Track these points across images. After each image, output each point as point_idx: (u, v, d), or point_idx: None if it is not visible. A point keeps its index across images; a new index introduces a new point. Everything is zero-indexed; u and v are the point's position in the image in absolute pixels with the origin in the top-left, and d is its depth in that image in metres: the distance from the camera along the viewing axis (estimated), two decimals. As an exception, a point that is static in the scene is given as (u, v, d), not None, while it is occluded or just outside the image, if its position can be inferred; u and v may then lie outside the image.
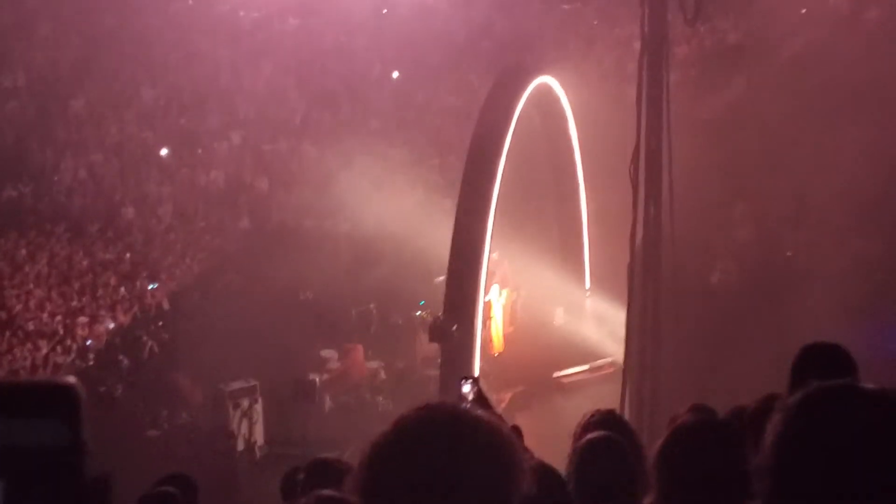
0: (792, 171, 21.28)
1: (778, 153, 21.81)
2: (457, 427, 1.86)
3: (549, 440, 5.26)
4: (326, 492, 3.69)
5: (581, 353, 20.72)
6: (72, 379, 1.22)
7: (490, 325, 20.52)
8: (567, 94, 21.98)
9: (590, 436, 4.19)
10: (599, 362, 20.47)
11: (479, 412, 1.93)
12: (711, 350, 17.33)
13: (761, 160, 22.16)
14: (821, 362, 4.22)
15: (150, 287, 22.96)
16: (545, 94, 21.24)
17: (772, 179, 21.89)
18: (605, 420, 4.59)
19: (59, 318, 20.74)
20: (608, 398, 14.74)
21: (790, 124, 21.53)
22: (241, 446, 17.90)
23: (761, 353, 16.37)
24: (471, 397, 4.92)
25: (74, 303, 21.33)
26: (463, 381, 5.06)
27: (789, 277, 20.01)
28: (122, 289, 22.42)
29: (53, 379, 1.20)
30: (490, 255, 18.19)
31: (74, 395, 1.19)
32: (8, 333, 20.11)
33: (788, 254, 21.69)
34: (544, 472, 4.46)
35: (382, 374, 20.43)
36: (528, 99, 19.68)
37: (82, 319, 20.79)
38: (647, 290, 14.36)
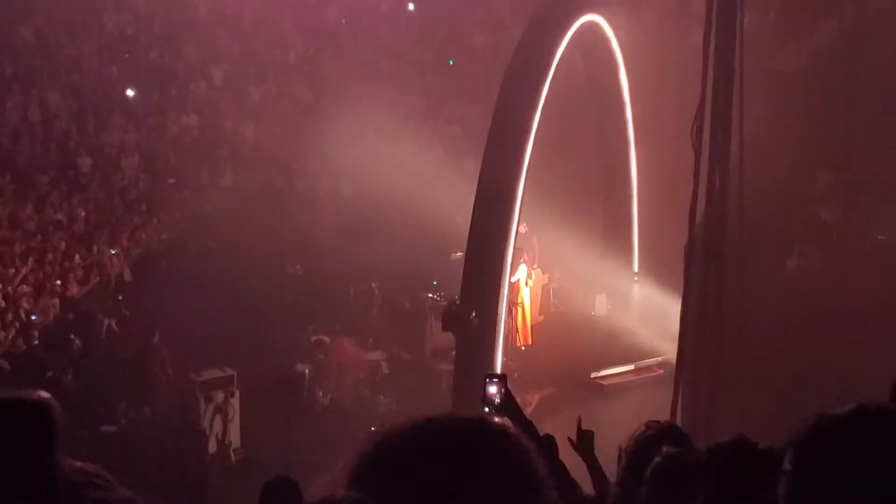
0: (889, 138, 21.11)
1: (873, 115, 21.63)
2: (479, 441, 1.91)
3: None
4: (338, 493, 3.73)
5: (625, 351, 20.74)
6: (44, 394, 1.18)
7: (516, 312, 20.54)
8: (618, 35, 21.85)
9: (666, 453, 4.21)
10: (647, 362, 20.49)
11: (502, 423, 1.98)
12: (785, 352, 17.27)
13: (852, 123, 22.00)
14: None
15: (111, 252, 23.03)
16: (592, 35, 21.12)
17: (864, 147, 21.72)
18: (665, 435, 4.58)
19: (-1, 286, 20.87)
20: (656, 406, 14.75)
21: (890, 80, 21.34)
22: (213, 448, 18.00)
23: (846, 355, 16.32)
24: (497, 400, 4.90)
25: (12, 270, 21.41)
26: (488, 379, 5.04)
27: (882, 266, 19.89)
28: (76, 255, 22.50)
29: (21, 394, 1.16)
30: (518, 228, 18.17)
31: (47, 414, 1.15)
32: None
33: (881, 237, 21.57)
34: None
35: (385, 368, 20.49)
36: (571, 40, 19.58)
37: (25, 289, 20.89)
38: (708, 276, 14.32)
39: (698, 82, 13.88)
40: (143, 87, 27.85)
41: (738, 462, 3.85)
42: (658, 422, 4.86)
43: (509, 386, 5.14)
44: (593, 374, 20.25)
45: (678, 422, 12.90)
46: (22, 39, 27.81)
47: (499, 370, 17.12)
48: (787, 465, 2.05)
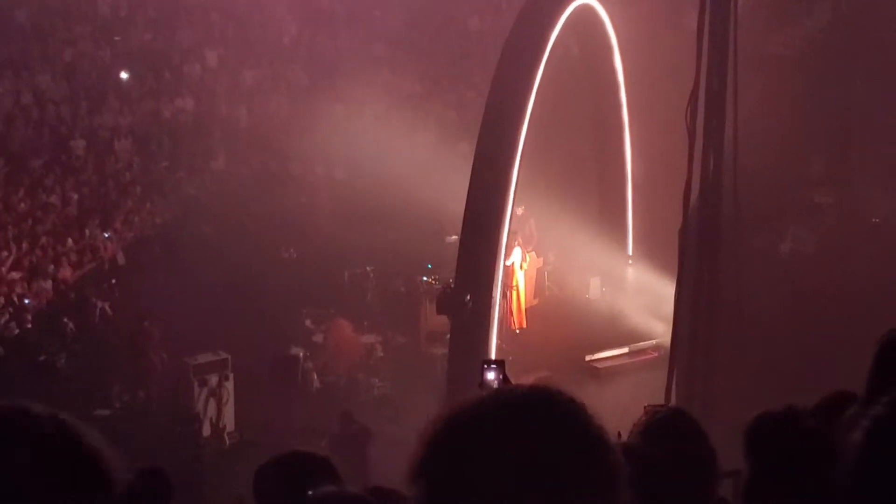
0: (884, 122, 21.09)
1: (868, 99, 21.60)
2: (574, 415, 1.91)
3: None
4: (331, 488, 3.73)
5: (620, 334, 20.73)
6: None
7: (511, 295, 20.53)
8: (613, 18, 21.78)
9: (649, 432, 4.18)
10: (641, 345, 20.49)
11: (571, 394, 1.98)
12: (778, 334, 17.29)
13: (847, 107, 21.96)
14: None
15: (104, 236, 22.99)
16: (586, 17, 21.05)
17: (859, 131, 21.70)
18: (673, 421, 4.54)
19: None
20: (651, 388, 14.78)
21: (886, 64, 21.29)
22: (207, 431, 18.00)
23: (840, 339, 16.34)
24: (496, 386, 4.88)
25: (5, 253, 21.37)
26: (486, 365, 5.01)
27: (876, 249, 19.90)
28: (69, 239, 22.46)
29: None
30: (513, 210, 18.15)
31: None
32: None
33: (875, 220, 21.57)
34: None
35: (379, 351, 20.49)
36: (565, 23, 19.52)
37: (16, 275, 20.84)
38: (702, 259, 14.32)
39: (693, 65, 13.85)
40: (136, 69, 27.76)
41: (790, 432, 3.81)
42: (662, 406, 4.83)
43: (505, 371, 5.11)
44: (588, 357, 20.25)
45: (673, 404, 12.90)
46: (15, 23, 27.70)
47: (493, 354, 17.12)
48: (853, 449, 2.02)
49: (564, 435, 1.87)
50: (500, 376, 4.99)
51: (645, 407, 4.87)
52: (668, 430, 4.40)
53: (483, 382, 4.96)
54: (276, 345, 19.76)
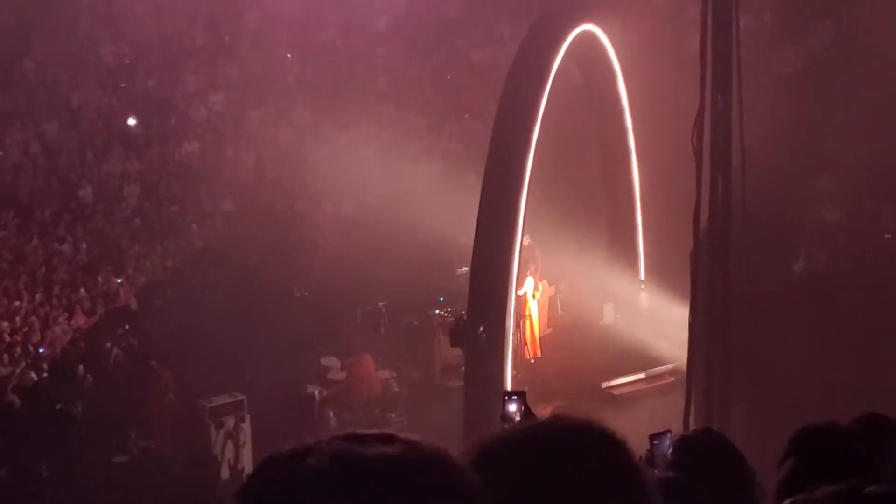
0: (890, 136, 21.06)
1: (874, 115, 21.59)
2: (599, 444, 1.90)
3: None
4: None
5: (635, 359, 20.66)
6: None
7: (524, 325, 20.49)
8: (615, 44, 21.84)
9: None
10: (657, 370, 20.41)
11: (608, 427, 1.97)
12: (795, 355, 17.21)
13: (854, 124, 21.95)
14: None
15: (117, 282, 23.02)
16: (589, 45, 21.11)
17: (867, 147, 21.66)
18: (708, 442, 4.49)
19: (5, 323, 20.84)
20: (669, 413, 14.69)
21: (889, 80, 21.30)
22: (225, 474, 17.96)
23: (856, 357, 16.25)
24: (518, 418, 4.85)
25: (18, 303, 21.40)
26: (507, 397, 4.98)
27: (889, 265, 19.84)
28: (82, 287, 22.48)
29: None
30: (523, 240, 18.14)
31: None
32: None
33: (887, 236, 21.51)
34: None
35: (395, 386, 20.46)
36: (567, 51, 19.57)
37: (31, 323, 20.86)
38: (715, 282, 14.26)
39: (697, 87, 13.85)
40: (142, 115, 27.88)
41: (828, 442, 3.80)
42: (708, 430, 4.81)
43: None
44: (604, 384, 20.17)
45: (690, 428, 12.83)
46: (21, 73, 27.87)
47: (509, 384, 17.08)
48: None
49: (599, 466, 1.85)
50: (522, 407, 4.95)
51: (650, 436, 4.82)
52: (701, 448, 4.38)
53: (505, 414, 4.92)
54: (291, 384, 19.72)
